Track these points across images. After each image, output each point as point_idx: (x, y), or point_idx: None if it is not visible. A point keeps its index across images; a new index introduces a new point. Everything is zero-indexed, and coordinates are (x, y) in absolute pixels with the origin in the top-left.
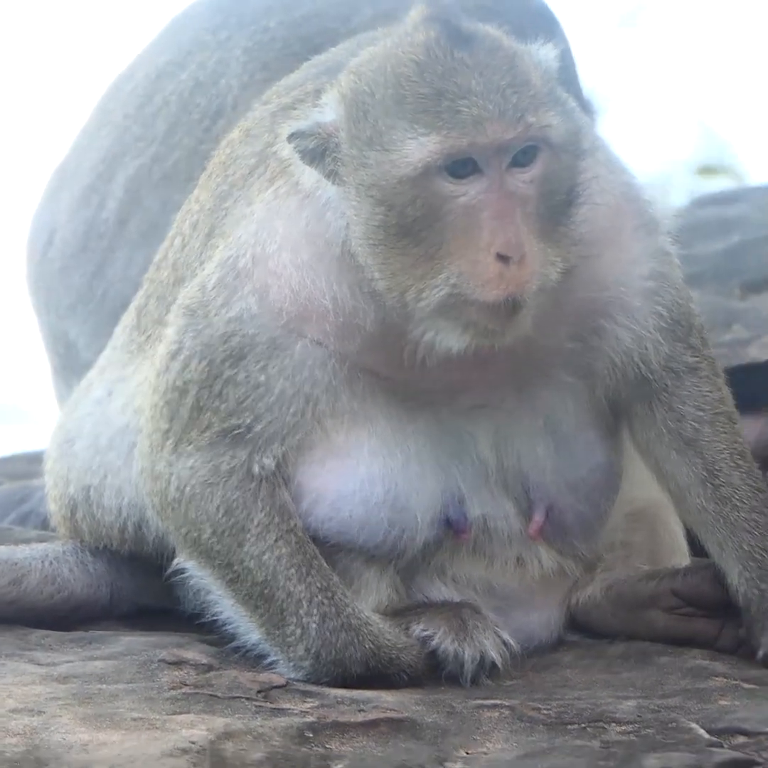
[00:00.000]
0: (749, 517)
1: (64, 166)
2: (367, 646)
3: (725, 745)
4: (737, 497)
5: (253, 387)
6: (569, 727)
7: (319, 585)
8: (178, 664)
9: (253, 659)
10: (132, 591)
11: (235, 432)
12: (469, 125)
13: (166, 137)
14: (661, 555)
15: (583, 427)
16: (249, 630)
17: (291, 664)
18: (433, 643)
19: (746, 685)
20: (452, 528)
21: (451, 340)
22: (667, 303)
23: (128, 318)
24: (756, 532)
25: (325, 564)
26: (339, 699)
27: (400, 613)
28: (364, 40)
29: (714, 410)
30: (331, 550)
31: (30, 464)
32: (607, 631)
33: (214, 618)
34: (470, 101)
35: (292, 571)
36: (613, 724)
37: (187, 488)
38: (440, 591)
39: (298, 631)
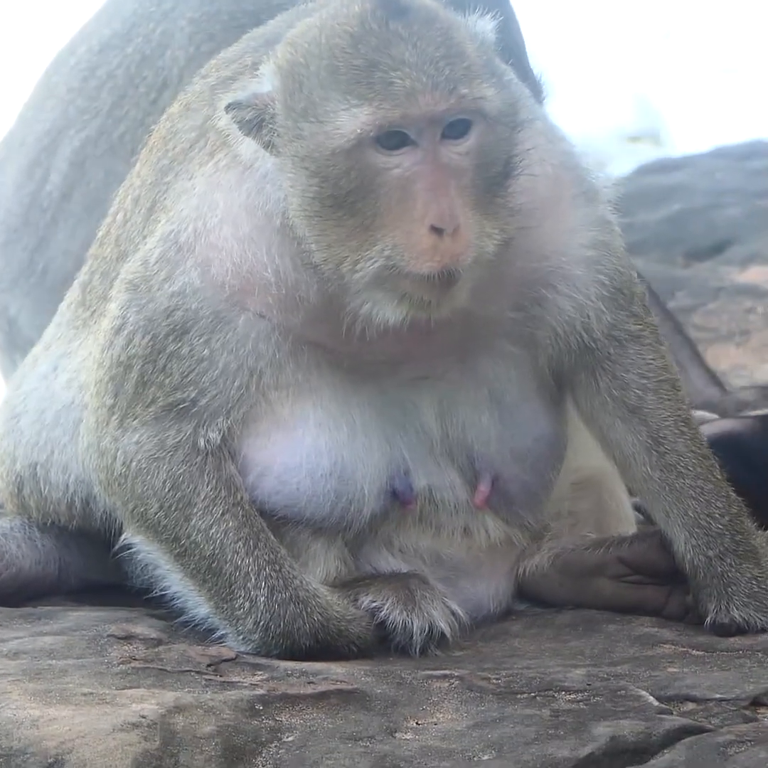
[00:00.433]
0: (695, 483)
1: (8, 141)
2: (315, 618)
3: (675, 712)
4: (682, 464)
5: (197, 361)
6: (519, 696)
7: (266, 558)
8: (128, 638)
9: (203, 633)
10: (80, 567)
11: (180, 406)
12: (401, 97)
13: (111, 110)
14: (607, 523)
15: (527, 396)
16: (198, 604)
17: (240, 637)
18: (382, 614)
19: (694, 652)
20: (398, 499)
21: (387, 311)
22: (609, 271)
23: (73, 294)
24: (701, 499)
25: (272, 537)
26: (289, 671)
27: (348, 584)
28: (302, 11)
29: (658, 377)
30: (278, 523)
31: None
32: (555, 600)
33: (163, 593)
34: (403, 73)
35: (240, 544)
36: (563, 693)
37: (133, 463)
38: (388, 562)
39: (247, 604)
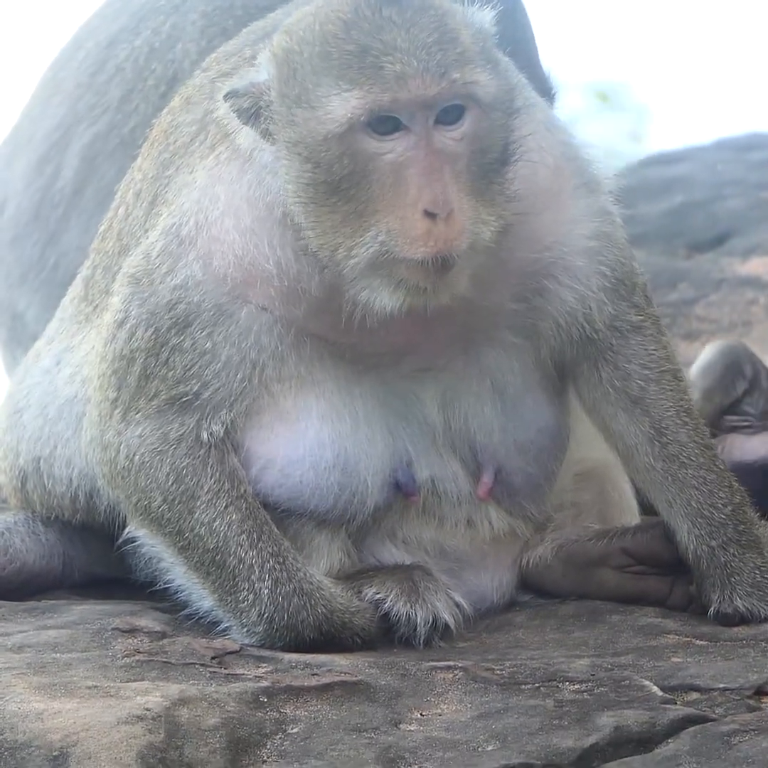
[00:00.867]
0: (697, 473)
1: (15, 136)
2: (319, 611)
3: (678, 702)
4: (685, 455)
5: (199, 354)
6: (523, 687)
7: (270, 550)
8: (132, 631)
9: (207, 626)
10: (84, 560)
11: (183, 399)
12: (391, 81)
13: (121, 104)
14: (610, 514)
15: (529, 387)
16: (202, 597)
17: (244, 629)
18: (386, 605)
19: (698, 642)
20: (402, 490)
21: (384, 298)
22: (610, 262)
23: (75, 289)
24: (704, 489)
25: (275, 529)
26: (293, 663)
27: (351, 576)
28: (302, 3)
29: (660, 368)
30: (281, 516)
31: None
32: (558, 591)
33: (167, 586)
34: (394, 57)
35: (243, 537)
36: (567, 683)
37: (137, 456)
38: (391, 554)
39: (251, 596)
